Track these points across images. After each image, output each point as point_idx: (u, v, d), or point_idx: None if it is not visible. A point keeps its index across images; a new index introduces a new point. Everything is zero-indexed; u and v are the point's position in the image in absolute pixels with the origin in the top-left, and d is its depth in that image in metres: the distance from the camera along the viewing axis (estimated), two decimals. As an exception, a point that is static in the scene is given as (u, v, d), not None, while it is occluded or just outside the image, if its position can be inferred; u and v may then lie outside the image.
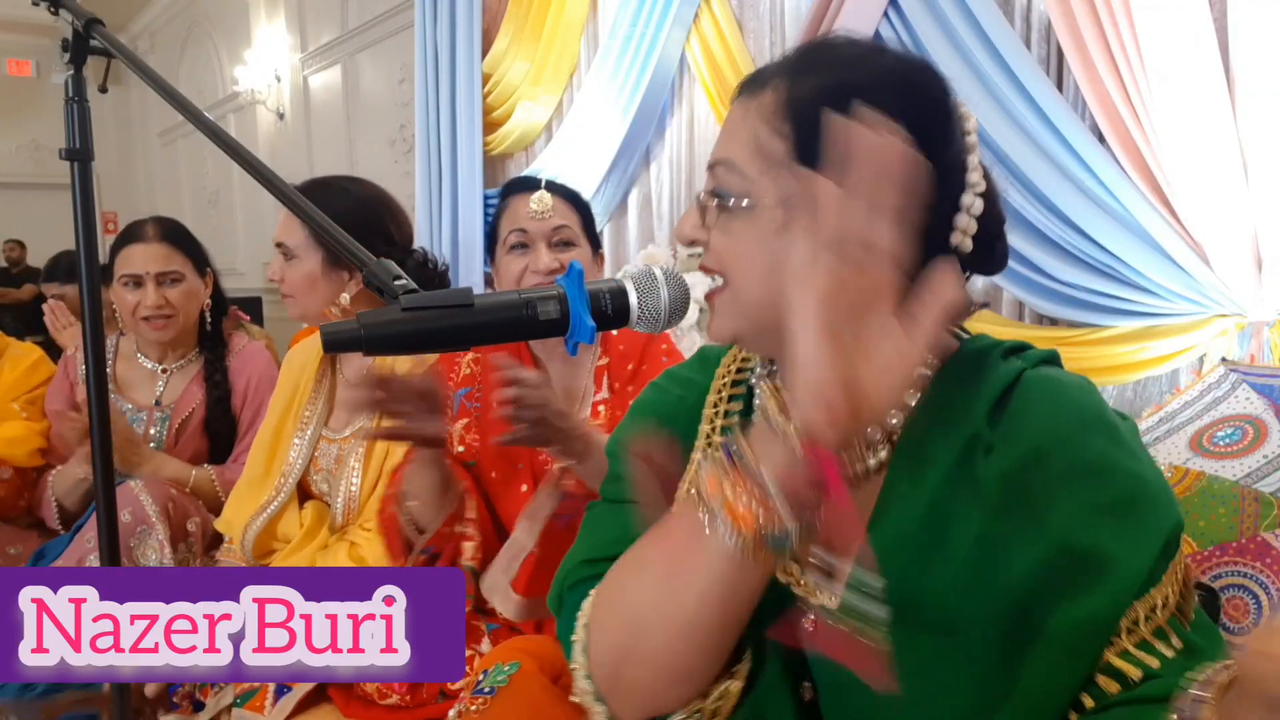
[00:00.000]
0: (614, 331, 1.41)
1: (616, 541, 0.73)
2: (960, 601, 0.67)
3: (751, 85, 0.75)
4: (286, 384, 1.66)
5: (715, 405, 0.85)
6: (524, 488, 1.41)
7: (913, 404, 0.74)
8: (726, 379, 0.87)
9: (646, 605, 0.64)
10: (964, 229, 0.71)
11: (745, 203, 0.71)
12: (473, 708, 1.08)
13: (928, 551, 0.68)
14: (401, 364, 1.59)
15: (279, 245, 1.55)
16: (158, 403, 1.92)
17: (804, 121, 0.69)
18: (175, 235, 1.90)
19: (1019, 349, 0.77)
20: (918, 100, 0.70)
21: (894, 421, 0.74)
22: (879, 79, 0.70)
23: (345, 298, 1.52)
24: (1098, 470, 0.67)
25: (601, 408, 1.42)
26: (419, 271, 1.54)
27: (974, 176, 0.73)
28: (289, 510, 1.57)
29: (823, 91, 0.69)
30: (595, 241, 1.47)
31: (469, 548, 1.33)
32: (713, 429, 0.84)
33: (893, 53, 0.73)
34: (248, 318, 2.33)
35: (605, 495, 0.86)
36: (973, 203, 0.72)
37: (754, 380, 0.84)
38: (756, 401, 0.84)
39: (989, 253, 0.75)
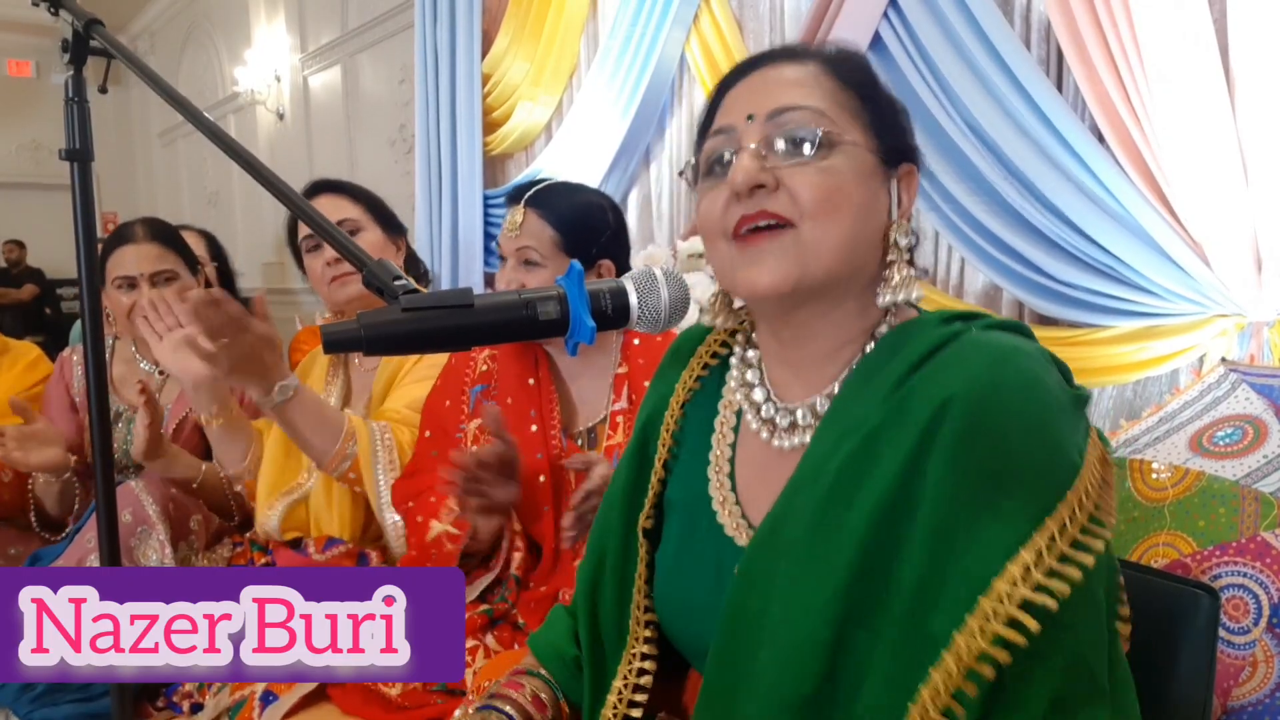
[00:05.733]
0: (635, 342, 1.43)
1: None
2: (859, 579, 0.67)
3: (790, 54, 0.79)
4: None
5: (677, 396, 0.90)
6: (545, 508, 1.39)
7: (844, 376, 0.77)
8: (691, 373, 0.91)
9: None
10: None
11: (843, 141, 0.74)
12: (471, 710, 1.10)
13: (828, 529, 0.68)
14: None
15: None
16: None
17: (864, 88, 0.77)
18: (165, 235, 1.89)
19: (969, 316, 0.76)
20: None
21: (827, 392, 0.77)
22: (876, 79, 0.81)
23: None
24: (983, 434, 0.64)
25: (620, 418, 1.41)
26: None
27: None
28: (318, 493, 1.62)
29: (862, 67, 0.79)
30: (587, 256, 1.40)
31: (517, 558, 1.40)
32: (670, 419, 0.90)
33: None
34: None
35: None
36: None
37: (733, 364, 0.87)
38: (730, 385, 0.87)
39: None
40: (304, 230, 1.63)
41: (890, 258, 0.76)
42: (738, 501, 0.82)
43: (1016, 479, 0.63)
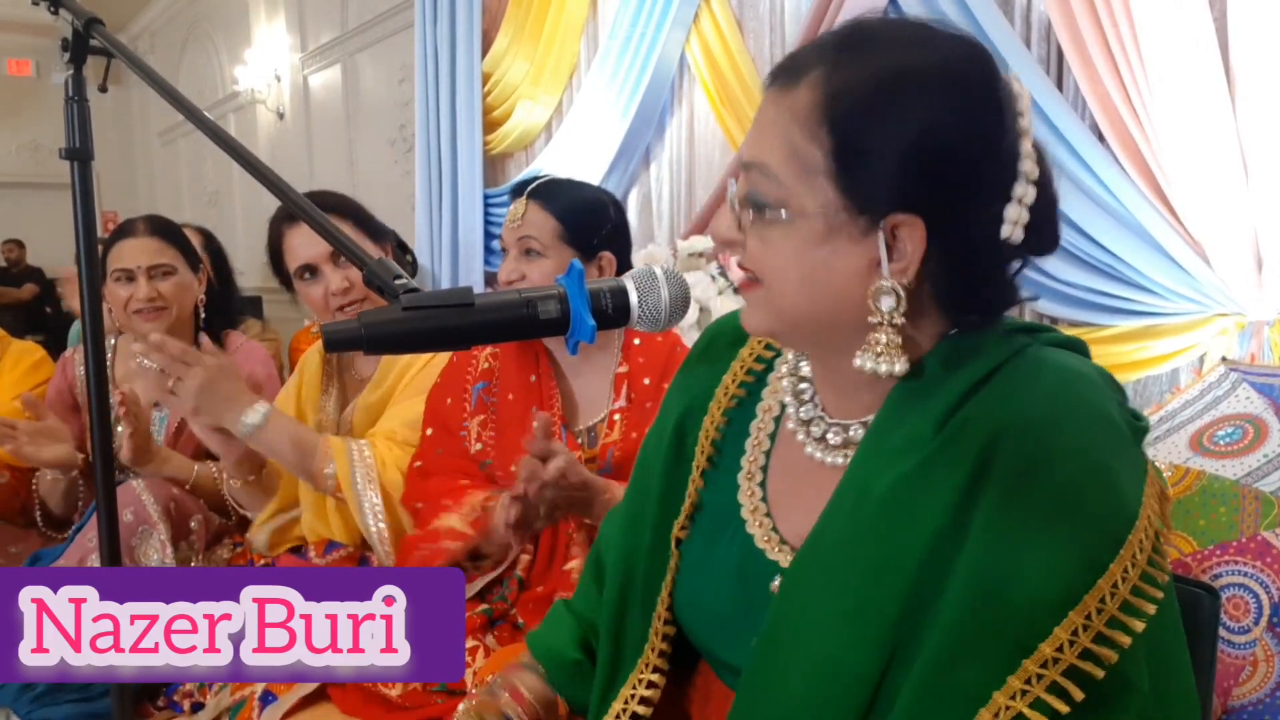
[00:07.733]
0: (636, 341, 1.44)
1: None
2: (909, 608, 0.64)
3: (786, 74, 0.69)
4: (293, 389, 1.69)
5: (718, 401, 0.85)
6: None
7: (888, 391, 0.71)
8: (735, 379, 0.85)
9: None
10: (1015, 220, 0.66)
11: (783, 214, 0.67)
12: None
13: (874, 556, 0.65)
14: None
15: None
16: (156, 403, 1.92)
17: (841, 128, 0.65)
18: (165, 230, 1.91)
19: (1032, 329, 0.72)
20: (965, 98, 0.65)
21: (863, 420, 0.73)
22: (922, 77, 0.64)
23: None
24: (1036, 471, 0.61)
25: (618, 416, 1.42)
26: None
27: (1027, 164, 0.67)
28: (311, 511, 1.59)
29: (862, 91, 0.64)
30: (589, 248, 1.43)
31: (524, 560, 1.40)
32: (710, 426, 0.85)
33: (941, 38, 0.67)
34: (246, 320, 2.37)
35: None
36: (1025, 192, 0.67)
37: (781, 376, 0.83)
38: (772, 386, 0.83)
39: (1038, 236, 0.69)
40: (291, 263, 1.58)
41: (872, 319, 0.67)
42: (768, 514, 0.79)
43: (1069, 525, 0.59)
